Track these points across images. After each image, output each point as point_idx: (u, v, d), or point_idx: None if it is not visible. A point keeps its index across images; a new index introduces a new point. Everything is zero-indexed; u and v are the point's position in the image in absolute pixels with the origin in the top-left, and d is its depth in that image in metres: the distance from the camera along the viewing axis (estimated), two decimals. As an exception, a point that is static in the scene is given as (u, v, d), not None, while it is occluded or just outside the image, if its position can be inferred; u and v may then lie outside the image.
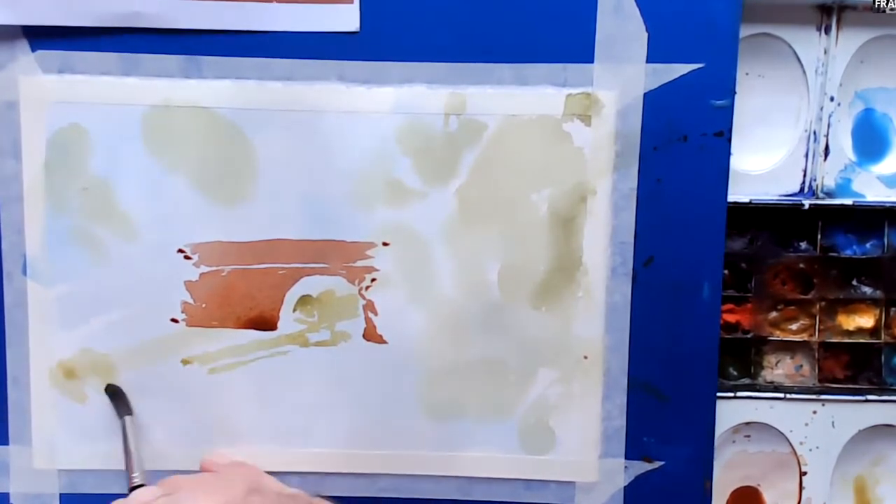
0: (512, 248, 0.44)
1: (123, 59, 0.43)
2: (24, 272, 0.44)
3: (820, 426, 0.47)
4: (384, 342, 0.45)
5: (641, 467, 0.46)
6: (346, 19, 0.42)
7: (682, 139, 0.43)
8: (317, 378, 0.45)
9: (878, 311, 0.48)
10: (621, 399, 0.45)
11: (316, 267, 0.44)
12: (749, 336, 0.48)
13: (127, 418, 0.43)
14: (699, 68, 0.43)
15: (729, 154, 0.44)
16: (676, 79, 0.43)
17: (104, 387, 0.45)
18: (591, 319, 0.45)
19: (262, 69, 0.43)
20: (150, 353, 0.45)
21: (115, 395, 0.44)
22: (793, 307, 0.48)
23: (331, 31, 0.42)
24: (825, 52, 0.45)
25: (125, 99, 0.43)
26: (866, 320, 0.48)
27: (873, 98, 0.46)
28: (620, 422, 0.45)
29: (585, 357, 0.45)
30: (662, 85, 0.43)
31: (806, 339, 0.48)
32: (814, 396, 0.47)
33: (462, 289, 0.44)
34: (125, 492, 0.45)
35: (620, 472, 0.46)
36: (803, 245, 0.47)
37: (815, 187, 0.46)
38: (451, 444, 0.46)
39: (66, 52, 0.43)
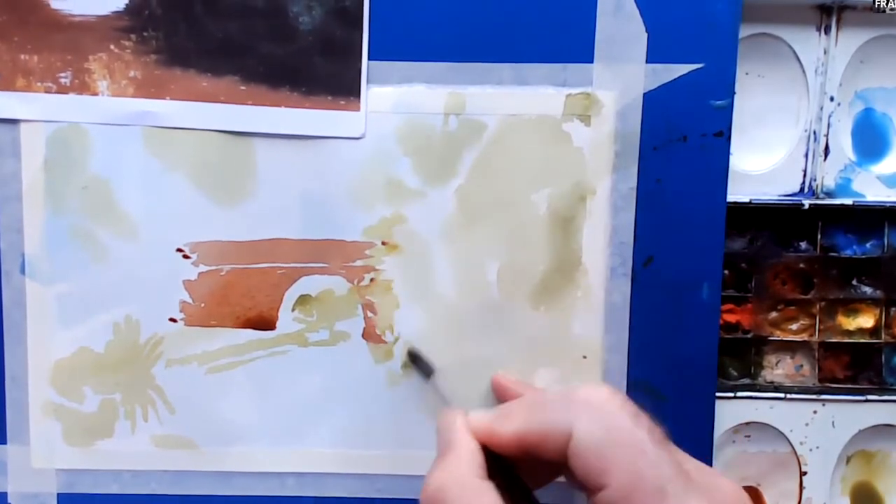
0: (511, 248, 0.44)
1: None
2: (23, 271, 0.44)
3: (820, 426, 0.47)
4: (383, 342, 0.45)
5: (641, 468, 0.45)
6: (354, 126, 0.42)
7: (681, 139, 0.43)
8: (315, 378, 0.45)
9: (878, 311, 0.48)
10: (621, 399, 0.45)
11: (315, 266, 0.44)
12: (749, 336, 0.48)
13: (434, 376, 0.43)
14: (699, 68, 0.43)
15: (729, 154, 0.43)
16: (676, 79, 0.43)
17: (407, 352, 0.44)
18: (591, 319, 0.44)
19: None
20: (148, 352, 0.44)
21: (416, 359, 0.44)
22: (793, 307, 0.48)
23: (336, 136, 0.43)
24: (825, 52, 0.45)
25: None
26: (866, 320, 0.48)
27: (873, 98, 0.46)
28: (620, 422, 0.45)
29: (584, 357, 0.45)
30: (662, 85, 0.43)
31: (806, 339, 0.48)
32: (814, 396, 0.47)
33: (461, 288, 0.44)
34: (123, 492, 0.45)
35: (620, 473, 0.45)
36: (803, 245, 0.47)
37: (815, 187, 0.46)
38: (450, 444, 0.45)
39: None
